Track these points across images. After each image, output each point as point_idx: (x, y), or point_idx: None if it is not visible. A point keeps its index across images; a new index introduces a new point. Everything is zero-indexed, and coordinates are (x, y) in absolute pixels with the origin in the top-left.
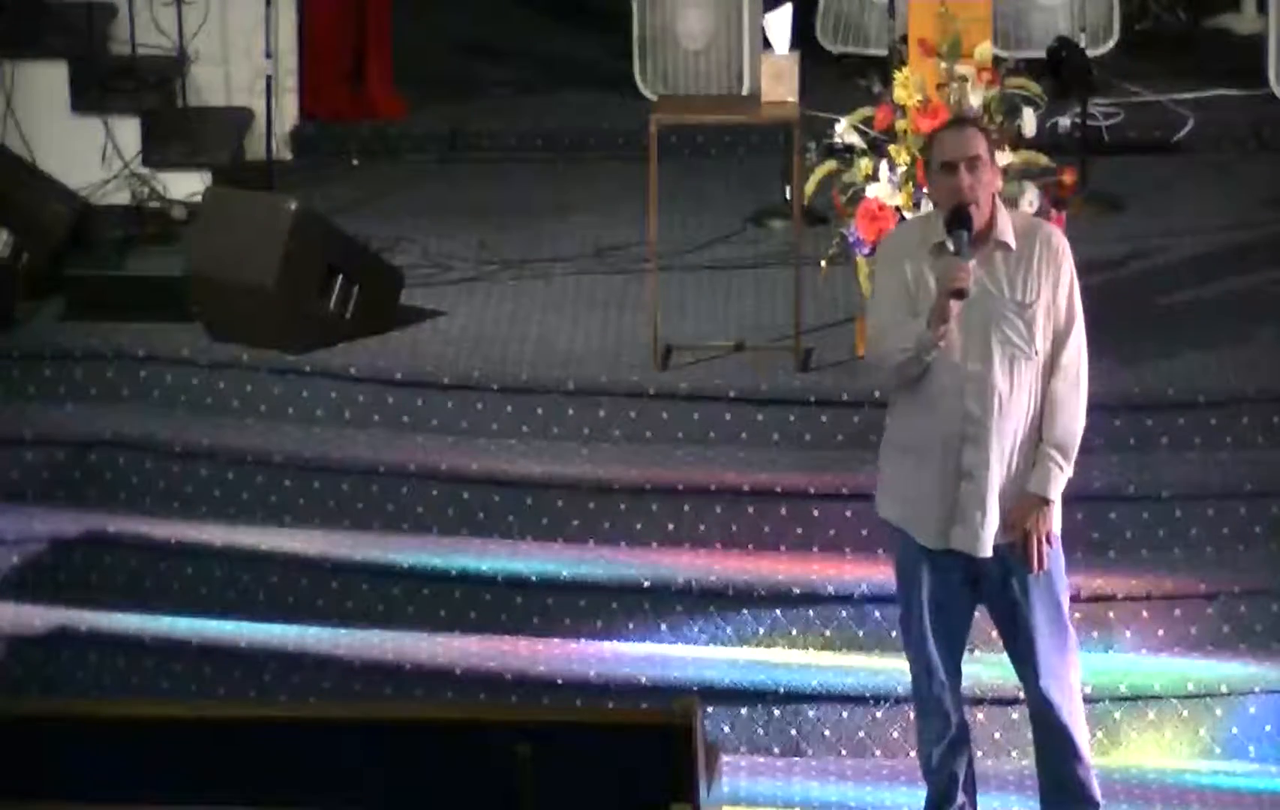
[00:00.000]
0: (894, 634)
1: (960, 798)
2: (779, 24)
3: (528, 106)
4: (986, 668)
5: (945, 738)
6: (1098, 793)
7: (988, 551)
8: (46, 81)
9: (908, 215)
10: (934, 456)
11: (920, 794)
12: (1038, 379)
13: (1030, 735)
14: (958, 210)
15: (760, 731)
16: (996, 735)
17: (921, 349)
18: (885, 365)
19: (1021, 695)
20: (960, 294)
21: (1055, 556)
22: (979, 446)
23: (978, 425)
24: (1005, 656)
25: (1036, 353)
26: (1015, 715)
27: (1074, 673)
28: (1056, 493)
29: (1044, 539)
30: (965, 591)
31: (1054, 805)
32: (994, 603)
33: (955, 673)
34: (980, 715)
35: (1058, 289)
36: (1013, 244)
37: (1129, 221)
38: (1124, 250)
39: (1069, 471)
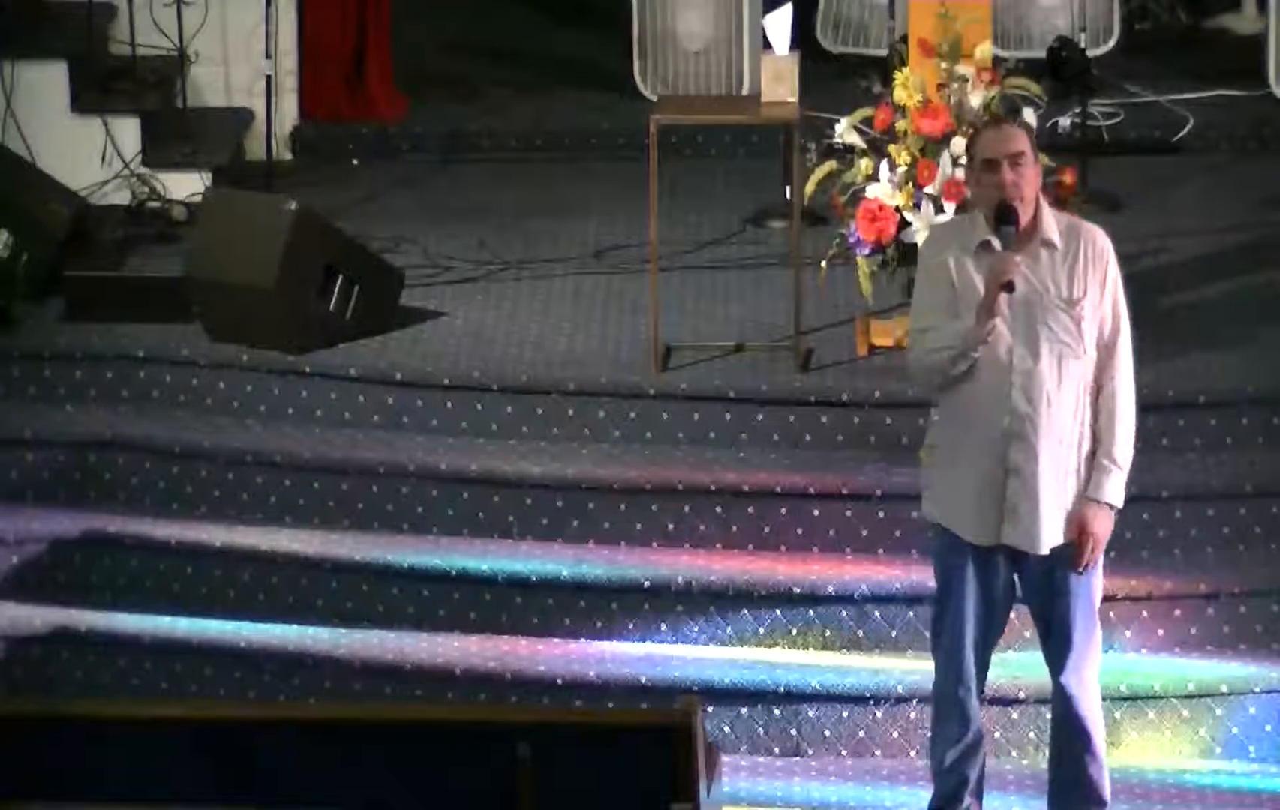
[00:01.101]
0: (894, 634)
1: (967, 800)
2: (779, 24)
3: (528, 106)
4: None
5: (961, 741)
6: (1108, 793)
7: (1040, 548)
8: (46, 81)
9: (908, 215)
10: (981, 453)
11: (921, 794)
12: (1086, 378)
13: (1031, 735)
14: (1002, 207)
15: (760, 731)
16: (997, 735)
17: (968, 346)
18: (929, 364)
19: (1022, 694)
20: (1009, 287)
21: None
22: (1026, 442)
23: (1025, 421)
24: (1006, 656)
25: (1085, 351)
26: (1015, 715)
27: (1097, 671)
28: (1120, 499)
29: (1101, 543)
30: (1007, 591)
31: (1064, 799)
32: (1033, 598)
33: (982, 676)
34: (981, 715)
35: (1104, 290)
36: (1058, 242)
37: (1129, 221)
38: (1124, 250)
39: (1126, 474)
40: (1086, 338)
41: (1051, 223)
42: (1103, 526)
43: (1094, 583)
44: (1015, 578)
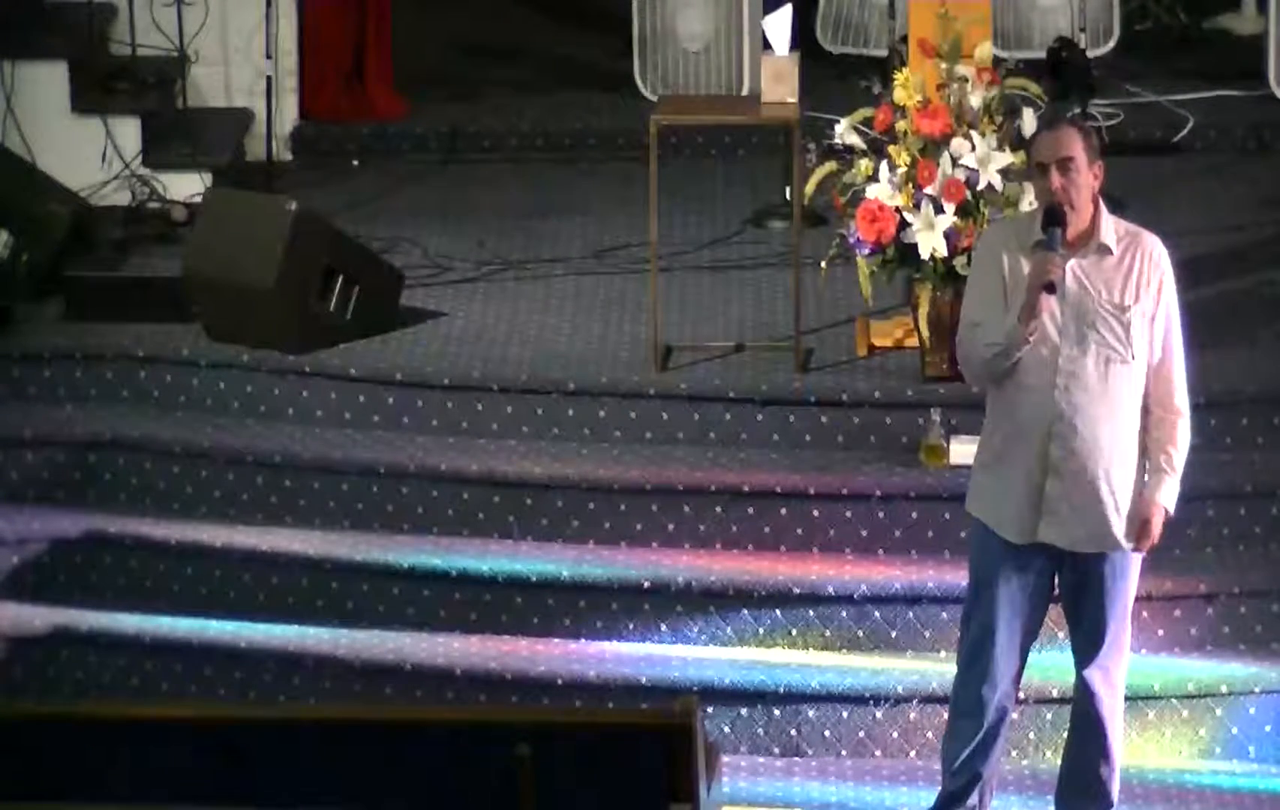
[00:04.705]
0: (894, 634)
1: (973, 799)
2: (779, 24)
3: (528, 106)
4: None
5: (974, 740)
6: (1115, 795)
7: (1077, 548)
8: (46, 81)
9: (908, 216)
10: (1024, 451)
11: (921, 794)
12: (1134, 385)
13: (1031, 735)
14: (1049, 209)
15: (760, 731)
16: None
17: (1011, 344)
18: (975, 359)
19: (1023, 695)
20: (1049, 288)
21: (1133, 562)
22: (1067, 443)
23: (1066, 422)
24: None
25: (1133, 358)
26: (1016, 715)
27: (1124, 674)
28: (1173, 502)
29: (1151, 540)
30: (1045, 591)
31: (1070, 794)
32: (1069, 596)
33: (1009, 679)
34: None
35: (1158, 301)
36: (1114, 248)
37: (1129, 222)
38: None
39: (1179, 477)
40: (1135, 345)
41: (1110, 228)
42: (1155, 526)
43: (1130, 588)
44: (1054, 577)
